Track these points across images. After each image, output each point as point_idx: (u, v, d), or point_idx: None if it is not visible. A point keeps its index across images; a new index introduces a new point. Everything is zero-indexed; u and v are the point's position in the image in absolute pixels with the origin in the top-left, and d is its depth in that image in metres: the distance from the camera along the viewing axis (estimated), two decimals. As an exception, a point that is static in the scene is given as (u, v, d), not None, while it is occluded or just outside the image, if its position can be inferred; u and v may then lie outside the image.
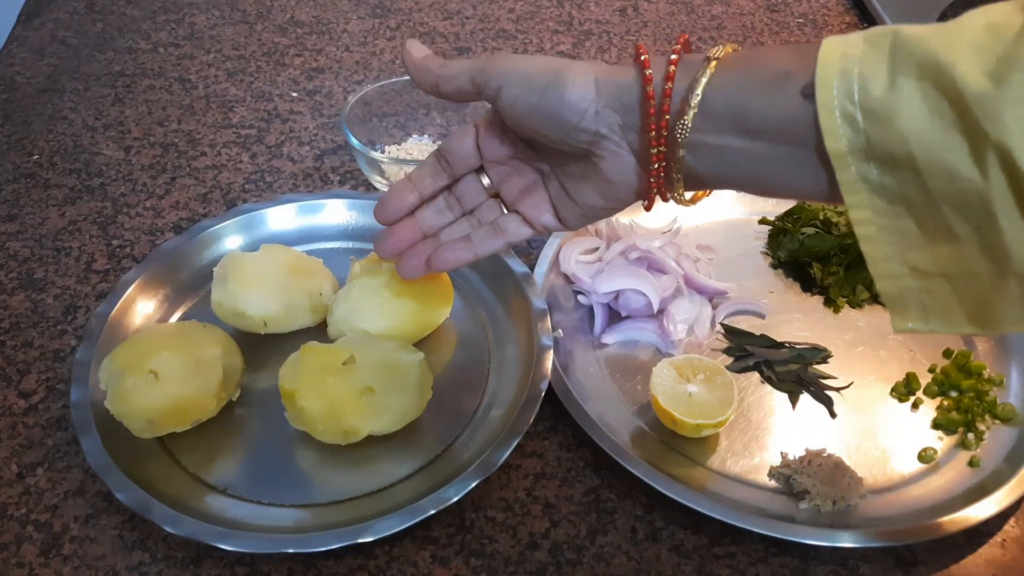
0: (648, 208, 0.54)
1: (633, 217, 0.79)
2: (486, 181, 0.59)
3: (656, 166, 0.50)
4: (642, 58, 0.49)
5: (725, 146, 0.47)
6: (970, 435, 0.64)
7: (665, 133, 0.49)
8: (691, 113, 0.47)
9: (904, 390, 0.67)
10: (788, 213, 0.80)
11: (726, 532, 0.59)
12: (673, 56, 0.48)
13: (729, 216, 0.82)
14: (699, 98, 0.47)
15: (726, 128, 0.47)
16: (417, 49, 0.56)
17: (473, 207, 0.60)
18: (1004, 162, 0.38)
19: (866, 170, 0.42)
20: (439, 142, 0.87)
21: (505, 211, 0.59)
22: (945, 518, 0.58)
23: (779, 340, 0.71)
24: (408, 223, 0.60)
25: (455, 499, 0.56)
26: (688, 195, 0.53)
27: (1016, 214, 0.38)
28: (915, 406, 0.67)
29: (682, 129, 0.48)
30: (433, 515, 0.55)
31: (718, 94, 0.47)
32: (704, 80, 0.47)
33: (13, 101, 0.93)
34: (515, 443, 0.59)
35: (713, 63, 0.47)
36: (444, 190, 0.60)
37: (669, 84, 0.48)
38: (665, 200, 0.53)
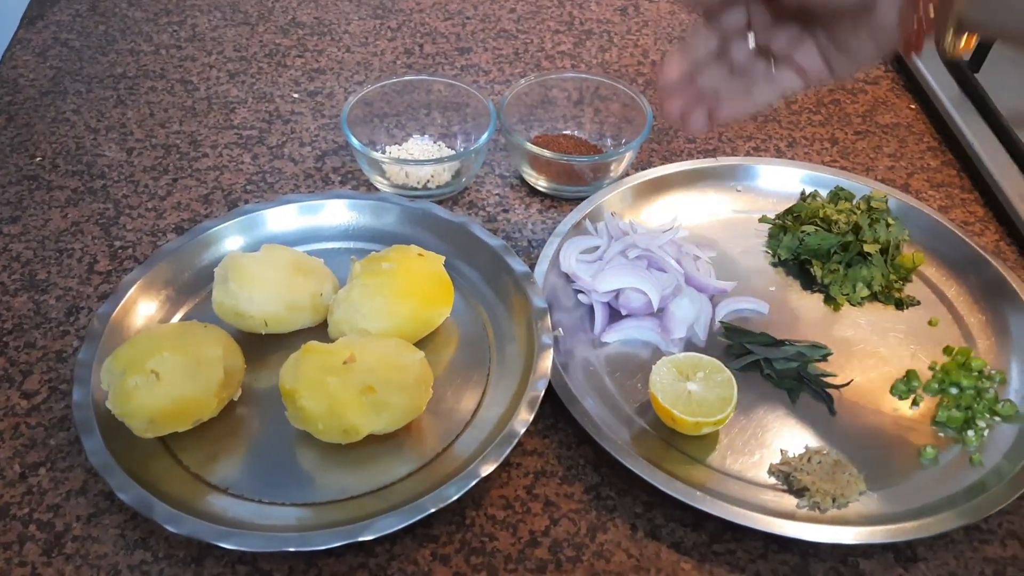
0: (914, 52, 0.55)
1: (634, 216, 0.79)
2: (753, 39, 0.61)
3: (926, 11, 0.51)
4: None
5: None
6: (970, 432, 0.64)
7: None
8: None
9: (904, 387, 0.67)
10: (788, 211, 0.80)
11: (726, 529, 0.59)
12: None
13: (729, 214, 0.82)
14: None
15: None
16: None
17: (744, 64, 0.62)
18: None
19: None
20: (440, 142, 0.87)
21: (775, 67, 0.61)
22: (945, 515, 0.58)
23: (779, 338, 0.71)
24: (687, 87, 0.63)
25: (455, 497, 0.56)
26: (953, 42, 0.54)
27: None
28: (915, 403, 0.67)
29: None
30: (433, 513, 0.56)
31: None
32: None
33: (16, 103, 0.93)
34: (515, 441, 0.59)
35: None
36: (715, 56, 0.62)
37: None
38: (937, 42, 0.54)
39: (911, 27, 0.54)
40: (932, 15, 0.52)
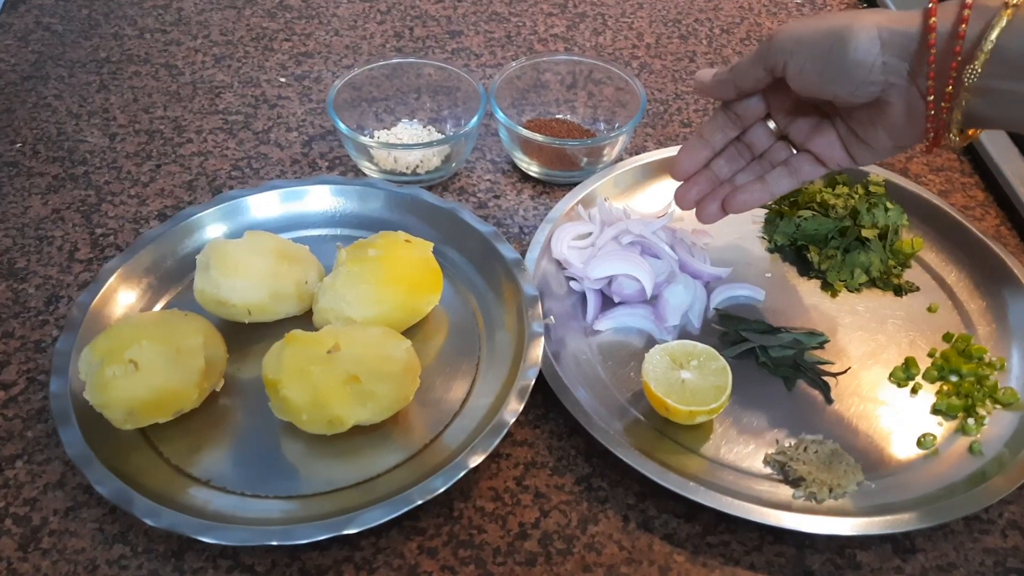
0: (930, 150, 0.56)
1: (627, 202, 0.78)
2: (772, 126, 0.62)
3: (935, 110, 0.52)
4: (929, 6, 0.50)
5: (1016, 91, 0.49)
6: (970, 420, 0.63)
7: (953, 76, 0.50)
8: (981, 59, 0.48)
9: (903, 375, 0.66)
10: (785, 196, 0.78)
11: (720, 520, 0.58)
12: (968, 0, 0.49)
13: (725, 199, 0.80)
14: (992, 45, 0.48)
15: (1020, 74, 0.48)
16: (705, 74, 0.61)
17: (763, 151, 0.63)
18: None
19: None
20: (430, 127, 0.85)
21: (795, 152, 0.62)
22: (944, 505, 0.56)
23: (775, 325, 0.69)
24: (704, 174, 0.64)
25: (443, 489, 0.55)
26: (959, 137, 0.55)
27: None
28: (914, 391, 0.65)
29: (970, 74, 0.49)
30: (420, 506, 0.54)
31: (1015, 41, 0.48)
32: (999, 27, 0.48)
33: (-3, 89, 0.91)
34: (504, 432, 0.58)
35: (1009, 10, 0.48)
36: (733, 141, 0.64)
37: (963, 26, 0.49)
38: (938, 145, 0.55)
39: (924, 126, 0.54)
40: (941, 115, 0.53)
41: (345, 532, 0.53)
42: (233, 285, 0.63)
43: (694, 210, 0.67)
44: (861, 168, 0.79)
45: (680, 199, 0.66)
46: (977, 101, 0.51)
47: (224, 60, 0.96)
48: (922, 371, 0.66)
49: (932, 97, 0.52)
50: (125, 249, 0.70)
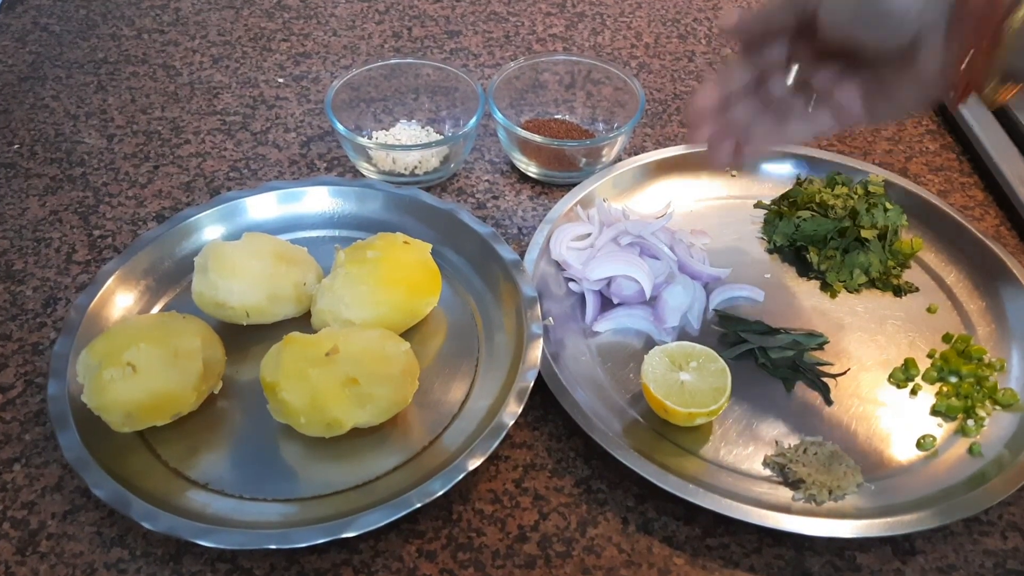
0: (957, 103, 0.55)
1: (626, 202, 0.78)
2: (793, 77, 0.59)
3: (970, 62, 0.50)
4: None
5: None
6: (970, 421, 0.63)
7: (993, 27, 0.49)
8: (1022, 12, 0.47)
9: (902, 376, 0.66)
10: (784, 196, 0.78)
11: (719, 523, 0.57)
12: None
13: (724, 200, 0.80)
14: None
15: None
16: (730, 14, 0.58)
17: (779, 99, 0.60)
18: None
19: None
20: (428, 128, 0.85)
21: (813, 104, 0.60)
22: (944, 506, 0.56)
23: (774, 326, 0.69)
24: (718, 118, 0.61)
25: (441, 492, 0.55)
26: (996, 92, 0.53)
27: None
28: (914, 392, 0.65)
29: (1014, 26, 0.48)
30: (419, 508, 0.54)
31: None
32: None
33: (-6, 90, 0.91)
34: (503, 434, 0.57)
35: None
36: (751, 94, 0.61)
37: None
38: (979, 92, 0.53)
39: (955, 79, 0.53)
40: (977, 67, 0.51)
41: (344, 535, 0.53)
42: (231, 287, 0.63)
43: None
44: (860, 168, 0.79)
45: (692, 138, 0.63)
46: (1016, 55, 0.49)
47: (222, 61, 0.96)
48: (922, 372, 0.66)
49: (968, 48, 0.50)
50: (123, 251, 0.70)
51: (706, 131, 0.61)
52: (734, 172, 0.82)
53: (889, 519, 0.56)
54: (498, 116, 0.78)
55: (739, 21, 0.58)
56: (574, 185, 0.77)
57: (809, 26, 0.55)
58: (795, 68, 0.59)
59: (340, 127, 0.77)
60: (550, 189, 0.81)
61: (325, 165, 0.83)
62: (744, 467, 0.60)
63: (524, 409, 0.59)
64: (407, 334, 0.66)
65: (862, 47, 0.54)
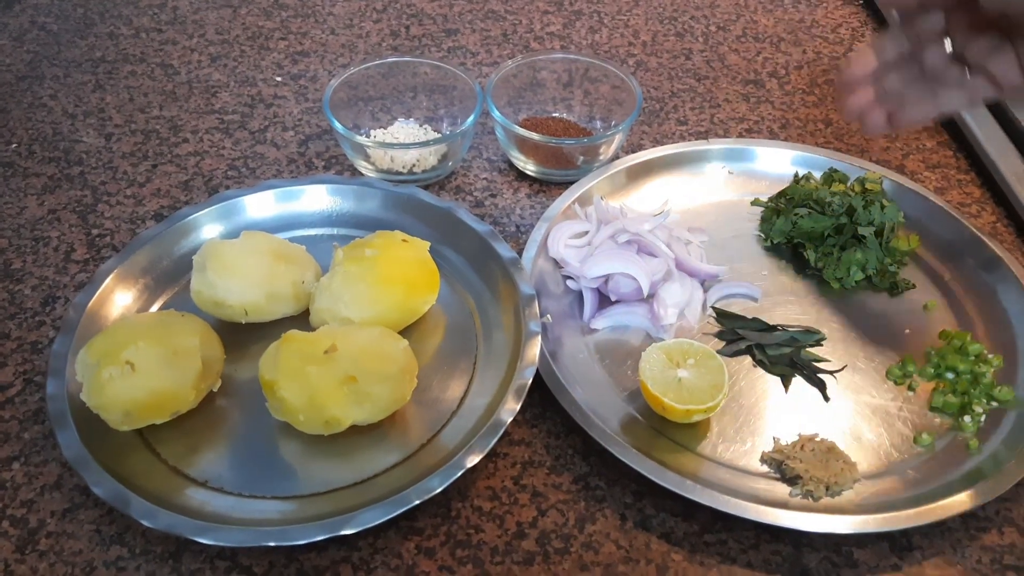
0: None
1: (624, 200, 0.78)
2: (949, 47, 0.59)
3: None
4: None
5: None
6: (967, 418, 0.63)
7: None
8: None
9: (899, 372, 0.66)
10: (781, 194, 0.78)
11: (717, 519, 0.58)
12: None
13: (721, 198, 0.80)
14: None
15: None
16: None
17: (935, 70, 0.60)
18: None
19: None
20: (426, 126, 0.85)
21: (969, 74, 0.59)
22: (941, 502, 0.56)
23: (772, 323, 0.69)
24: (871, 86, 0.61)
25: (440, 489, 0.55)
26: None
27: None
28: (911, 389, 0.66)
29: None
30: (418, 505, 0.54)
31: None
32: None
33: (-8, 89, 0.91)
34: (502, 431, 0.58)
35: None
36: (905, 59, 0.61)
37: None
38: None
39: None
40: None
41: (343, 532, 0.53)
42: (229, 286, 0.63)
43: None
44: (857, 165, 0.80)
45: (846, 108, 0.63)
46: None
47: (220, 59, 0.96)
48: (919, 369, 0.67)
49: None
50: (121, 250, 0.70)
51: (859, 99, 0.61)
52: (731, 170, 0.82)
53: (886, 515, 0.56)
54: (496, 114, 0.79)
55: None
56: (572, 183, 0.78)
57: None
58: (948, 42, 0.59)
59: (338, 125, 0.77)
60: (548, 187, 0.82)
61: (323, 164, 0.83)
62: (741, 463, 0.60)
63: (522, 406, 0.59)
64: (405, 332, 0.66)
65: (1020, 16, 0.53)
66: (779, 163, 0.82)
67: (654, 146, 0.84)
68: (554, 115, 0.86)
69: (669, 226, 0.74)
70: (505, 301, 0.67)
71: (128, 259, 0.68)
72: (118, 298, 0.67)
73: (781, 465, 0.60)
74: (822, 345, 0.68)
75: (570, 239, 0.73)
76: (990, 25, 0.58)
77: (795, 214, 0.74)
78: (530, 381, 0.60)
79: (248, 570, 0.55)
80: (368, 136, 0.84)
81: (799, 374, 0.66)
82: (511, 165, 0.83)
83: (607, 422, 0.61)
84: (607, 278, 0.70)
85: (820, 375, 0.66)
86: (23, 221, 0.77)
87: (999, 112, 0.85)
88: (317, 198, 0.74)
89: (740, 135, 0.88)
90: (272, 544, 0.52)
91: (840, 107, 0.64)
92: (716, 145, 0.82)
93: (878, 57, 0.61)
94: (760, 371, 0.66)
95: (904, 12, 0.60)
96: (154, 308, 0.68)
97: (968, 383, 0.65)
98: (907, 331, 0.69)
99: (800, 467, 0.59)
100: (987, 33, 0.58)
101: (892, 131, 0.63)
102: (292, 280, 0.66)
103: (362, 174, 0.81)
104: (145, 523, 0.53)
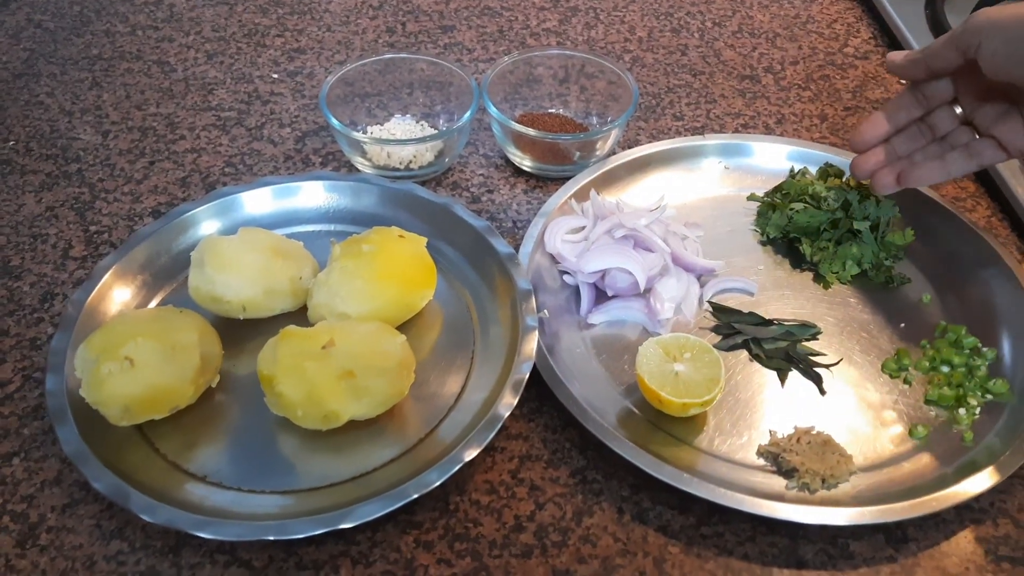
0: None
1: (620, 195, 0.78)
2: (959, 110, 0.62)
3: None
4: None
5: None
6: (962, 411, 0.63)
7: None
8: None
9: (895, 366, 0.66)
10: (777, 189, 0.78)
11: (714, 512, 0.58)
12: None
13: (717, 193, 0.81)
14: None
15: None
16: (896, 54, 0.62)
17: (945, 133, 0.63)
18: None
19: None
20: (423, 122, 0.85)
21: (977, 137, 0.62)
22: (936, 494, 0.57)
23: (768, 317, 0.70)
24: (882, 147, 0.65)
25: (438, 483, 0.55)
26: None
27: None
28: (906, 382, 0.66)
29: None
30: (416, 499, 0.55)
31: None
32: None
33: (-11, 86, 0.91)
34: (499, 425, 0.58)
35: None
36: (915, 121, 0.64)
37: None
38: None
39: None
40: None
41: (341, 526, 0.53)
42: (227, 281, 0.63)
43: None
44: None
45: (856, 168, 0.67)
46: None
47: (216, 56, 0.96)
48: (914, 362, 0.67)
49: None
50: (119, 246, 0.70)
51: (873, 161, 0.66)
52: (727, 166, 0.82)
53: (882, 507, 0.56)
54: (492, 110, 0.79)
55: (905, 60, 0.62)
56: (568, 179, 0.78)
57: (973, 65, 0.58)
58: (958, 109, 0.63)
59: (335, 122, 0.77)
60: (544, 183, 0.82)
61: (320, 160, 0.84)
62: (738, 456, 0.61)
63: (520, 401, 0.60)
64: (403, 327, 0.66)
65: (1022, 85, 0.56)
66: (775, 158, 0.82)
67: (650, 141, 0.84)
68: (550, 111, 0.87)
69: (665, 221, 0.74)
70: (502, 296, 0.68)
71: (126, 256, 0.68)
72: (116, 294, 0.67)
73: (777, 458, 0.60)
74: (818, 339, 0.69)
75: (567, 234, 0.74)
76: (997, 92, 0.60)
77: (791, 209, 0.75)
78: (527, 376, 0.61)
79: (247, 564, 0.55)
80: (365, 132, 0.84)
81: (795, 368, 0.66)
82: (507, 161, 0.84)
83: (604, 416, 0.61)
84: (604, 273, 0.70)
85: (816, 369, 0.66)
86: (21, 218, 0.77)
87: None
88: (314, 194, 0.75)
89: (736, 130, 0.89)
90: (271, 538, 0.52)
91: (853, 167, 0.69)
92: (712, 140, 0.83)
93: (889, 121, 0.64)
94: (756, 365, 0.67)
95: (913, 79, 0.62)
96: (152, 304, 0.68)
97: (963, 376, 0.65)
98: (902, 325, 0.70)
99: (796, 460, 0.59)
100: (995, 100, 0.60)
101: (898, 188, 0.67)
102: (290, 276, 0.66)
103: (359, 170, 0.81)
104: (145, 518, 0.53)
